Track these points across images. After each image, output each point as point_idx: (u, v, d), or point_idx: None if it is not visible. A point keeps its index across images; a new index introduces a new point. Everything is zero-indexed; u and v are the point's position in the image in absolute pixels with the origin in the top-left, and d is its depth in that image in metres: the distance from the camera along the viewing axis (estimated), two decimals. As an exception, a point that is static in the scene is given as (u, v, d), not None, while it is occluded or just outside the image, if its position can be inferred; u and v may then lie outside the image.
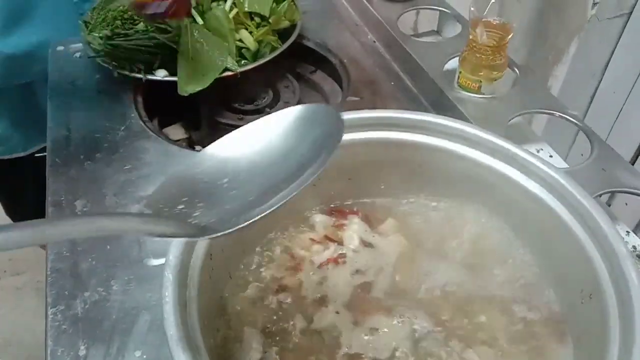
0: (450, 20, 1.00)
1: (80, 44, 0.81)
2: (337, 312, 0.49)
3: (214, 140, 0.41)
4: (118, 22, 0.82)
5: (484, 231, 0.55)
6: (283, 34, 0.84)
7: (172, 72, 0.78)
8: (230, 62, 0.76)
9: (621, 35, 1.28)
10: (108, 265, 0.59)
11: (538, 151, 0.76)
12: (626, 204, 1.30)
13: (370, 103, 0.81)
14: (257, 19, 0.83)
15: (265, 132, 0.40)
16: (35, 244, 0.27)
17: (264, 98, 0.84)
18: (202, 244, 0.44)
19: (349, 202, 0.58)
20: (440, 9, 0.96)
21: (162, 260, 0.43)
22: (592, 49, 1.27)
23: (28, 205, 1.09)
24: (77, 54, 0.89)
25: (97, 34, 0.80)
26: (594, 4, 1.08)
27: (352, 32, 0.96)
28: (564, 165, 0.72)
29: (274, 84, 0.86)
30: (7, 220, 1.18)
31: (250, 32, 0.81)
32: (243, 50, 0.81)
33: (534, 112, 0.79)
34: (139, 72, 0.78)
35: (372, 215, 0.57)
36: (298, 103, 0.84)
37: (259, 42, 0.81)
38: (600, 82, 1.37)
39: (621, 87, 1.32)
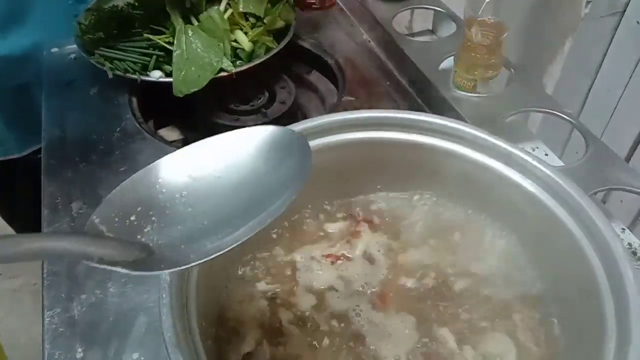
0: (445, 20, 1.00)
1: (75, 46, 0.81)
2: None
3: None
4: (113, 24, 0.82)
5: (479, 229, 0.55)
6: (278, 35, 0.84)
7: (167, 73, 0.78)
8: (226, 63, 0.76)
9: (615, 33, 1.28)
10: (104, 267, 0.59)
11: (533, 149, 0.76)
12: (621, 201, 1.30)
13: (365, 103, 0.81)
14: (252, 20, 0.83)
15: (233, 149, 0.39)
16: None
17: (260, 98, 0.84)
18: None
19: (344, 201, 0.58)
20: (435, 8, 0.96)
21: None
22: (586, 47, 1.27)
23: (23, 207, 1.09)
24: (72, 56, 0.88)
25: (91, 35, 0.80)
26: (588, 2, 1.09)
27: (348, 32, 0.96)
28: (559, 163, 0.72)
29: (269, 85, 0.86)
30: (2, 223, 1.17)
31: (245, 33, 0.81)
32: (238, 51, 0.81)
33: (529, 111, 0.79)
34: (134, 74, 0.77)
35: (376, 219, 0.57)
36: (294, 103, 0.84)
37: (254, 42, 0.81)
38: (594, 80, 1.37)
39: (615, 85, 1.33)
